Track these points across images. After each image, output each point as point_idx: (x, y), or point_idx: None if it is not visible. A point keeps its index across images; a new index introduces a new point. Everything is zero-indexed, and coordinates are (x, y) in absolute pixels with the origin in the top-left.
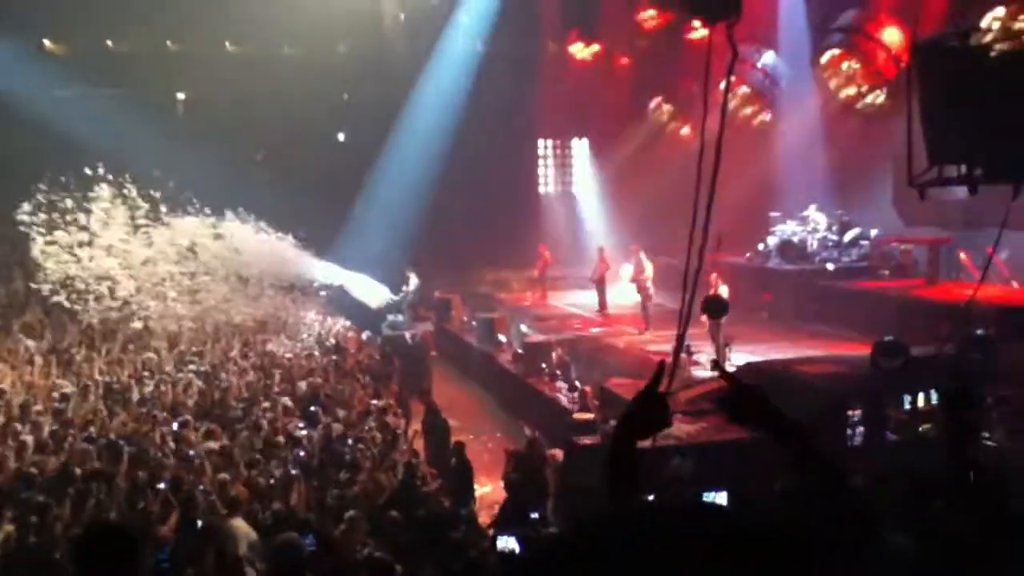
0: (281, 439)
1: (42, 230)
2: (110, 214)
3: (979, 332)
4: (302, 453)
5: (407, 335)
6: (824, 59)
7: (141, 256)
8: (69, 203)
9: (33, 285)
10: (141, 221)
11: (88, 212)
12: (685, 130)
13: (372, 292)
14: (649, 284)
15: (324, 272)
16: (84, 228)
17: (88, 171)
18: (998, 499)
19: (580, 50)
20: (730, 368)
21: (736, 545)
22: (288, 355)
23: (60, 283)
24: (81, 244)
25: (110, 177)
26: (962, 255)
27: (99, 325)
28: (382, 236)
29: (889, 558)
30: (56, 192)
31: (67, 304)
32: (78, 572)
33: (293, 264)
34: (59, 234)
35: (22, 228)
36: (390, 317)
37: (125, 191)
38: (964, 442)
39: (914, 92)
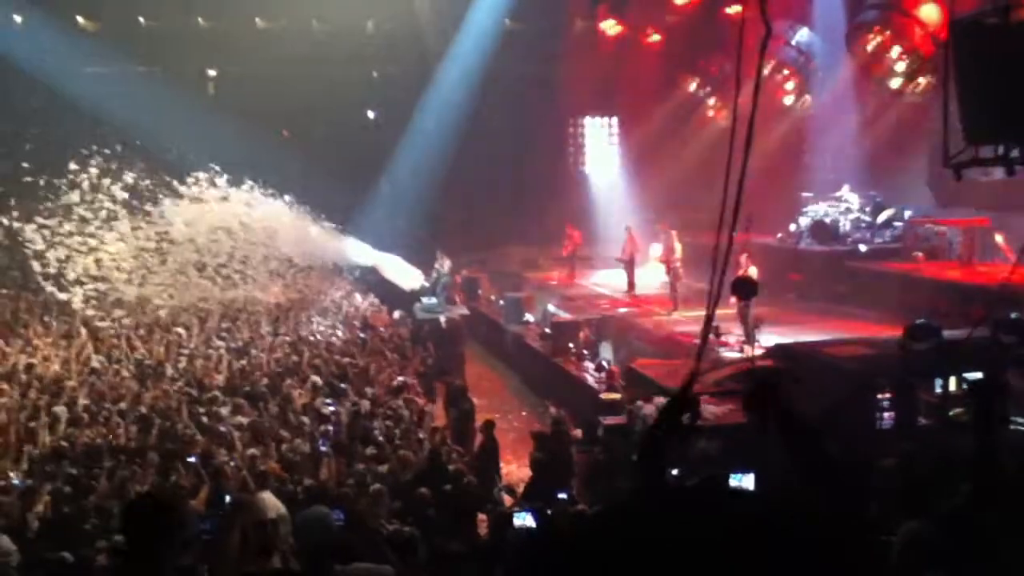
0: (309, 416)
1: (63, 212)
2: (136, 193)
3: (1013, 315)
4: (331, 429)
5: (441, 318)
6: (859, 36)
7: (167, 236)
8: (96, 182)
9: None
10: (167, 200)
11: (112, 192)
12: (714, 109)
13: (404, 274)
14: (678, 264)
15: (355, 252)
16: (109, 209)
17: (117, 149)
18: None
19: (611, 27)
20: (759, 350)
21: (762, 528)
22: (317, 332)
23: (84, 267)
24: (107, 223)
25: (139, 156)
26: (998, 237)
27: (128, 304)
28: (408, 214)
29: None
30: (83, 171)
31: (89, 292)
32: (125, 538)
33: (323, 243)
34: (82, 214)
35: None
36: (424, 300)
37: (152, 170)
38: (988, 431)
39: (951, 70)
